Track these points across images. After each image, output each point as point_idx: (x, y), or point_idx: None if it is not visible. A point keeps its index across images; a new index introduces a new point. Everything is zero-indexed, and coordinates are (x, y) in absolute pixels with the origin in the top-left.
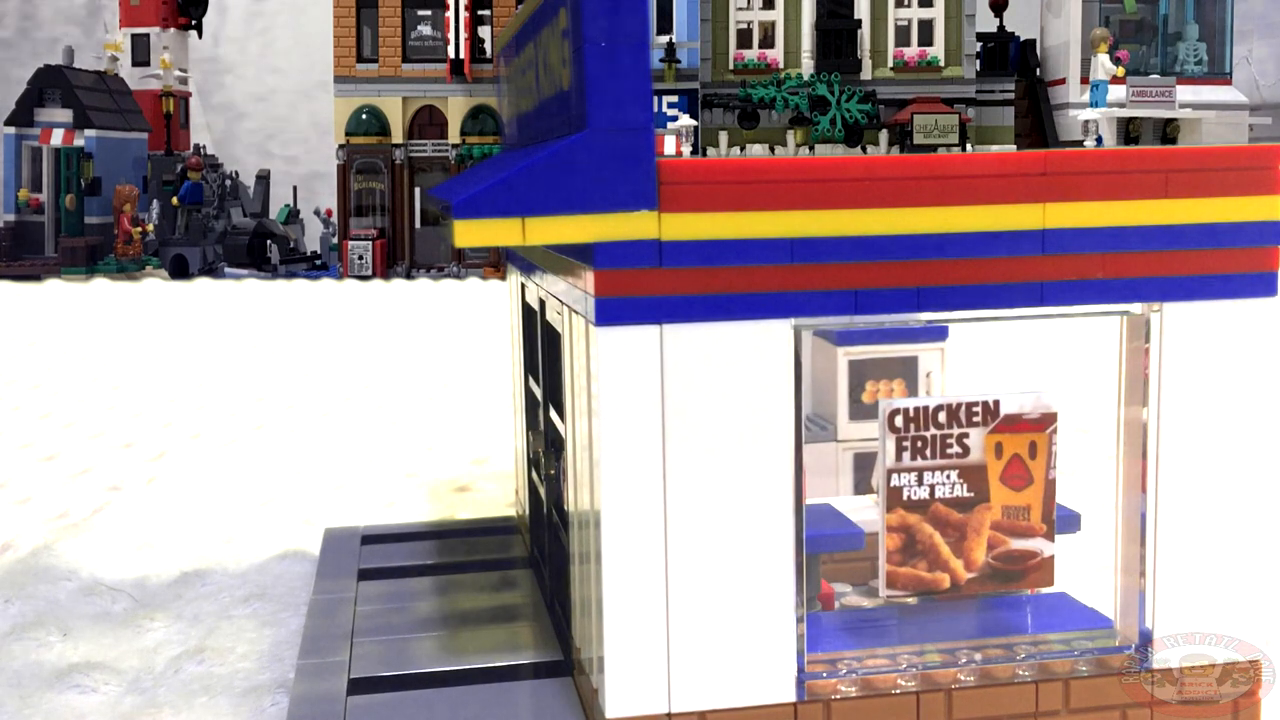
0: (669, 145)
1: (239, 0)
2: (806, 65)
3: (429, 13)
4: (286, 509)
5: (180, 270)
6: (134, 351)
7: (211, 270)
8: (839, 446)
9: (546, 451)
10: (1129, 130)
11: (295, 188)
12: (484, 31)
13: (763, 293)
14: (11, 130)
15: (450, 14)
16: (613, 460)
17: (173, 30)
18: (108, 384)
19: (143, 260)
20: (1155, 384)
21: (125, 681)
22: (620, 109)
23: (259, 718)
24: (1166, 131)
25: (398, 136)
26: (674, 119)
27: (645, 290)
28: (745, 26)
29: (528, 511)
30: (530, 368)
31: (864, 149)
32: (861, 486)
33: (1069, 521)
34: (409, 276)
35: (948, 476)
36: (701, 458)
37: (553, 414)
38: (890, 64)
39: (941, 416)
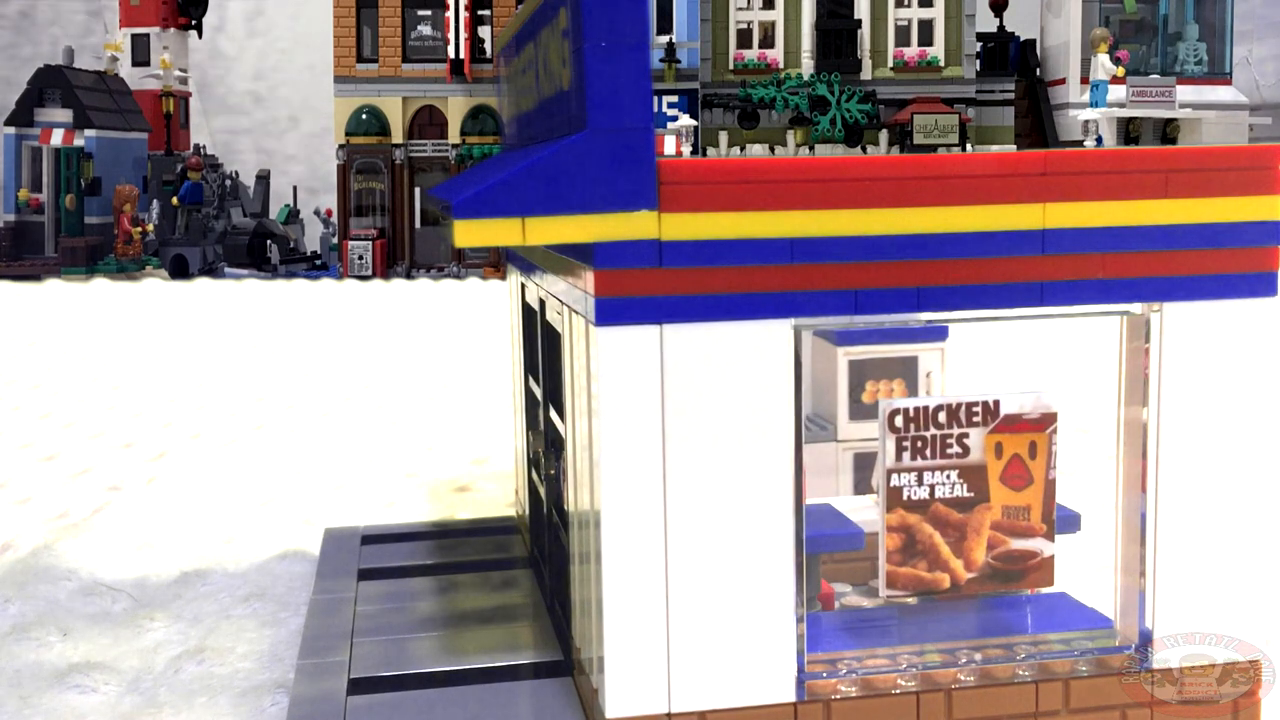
0: (669, 145)
1: (239, 0)
2: (806, 65)
3: (429, 13)
4: (286, 509)
5: (180, 270)
6: (134, 351)
7: (211, 270)
8: (839, 446)
9: (546, 451)
10: (1129, 130)
11: (295, 188)
12: (484, 31)
13: (763, 293)
14: (11, 130)
15: (450, 14)
16: (613, 460)
17: (173, 30)
18: (108, 384)
19: (143, 260)
20: (1155, 384)
21: (125, 681)
22: (620, 109)
23: (259, 718)
24: (1166, 131)
25: (398, 136)
26: (674, 119)
27: (645, 290)
28: (745, 26)
29: (528, 511)
30: (530, 368)
31: (864, 149)
32: (861, 486)
33: (1069, 521)
34: (409, 276)
35: (948, 476)
36: (701, 458)
37: (553, 414)
38: (890, 64)
39: (941, 416)
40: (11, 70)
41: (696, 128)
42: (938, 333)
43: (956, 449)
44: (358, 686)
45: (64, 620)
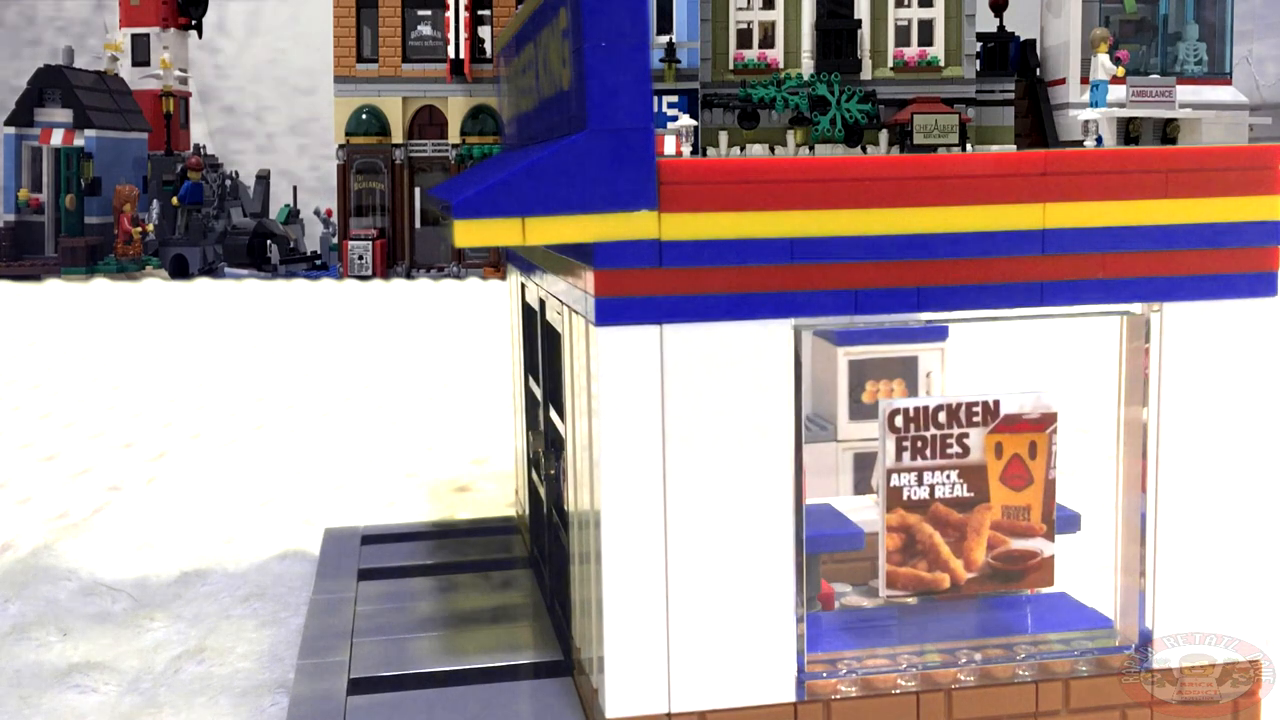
0: (669, 145)
1: (239, 0)
2: (806, 65)
3: (429, 13)
4: (286, 509)
5: (180, 270)
6: (134, 351)
7: (211, 270)
8: (839, 446)
9: (546, 451)
10: (1129, 130)
11: (295, 188)
12: (484, 31)
13: (763, 293)
14: (11, 130)
15: (450, 14)
16: (613, 460)
17: (173, 30)
18: (108, 384)
19: (143, 260)
20: (1155, 384)
21: (125, 681)
22: (620, 109)
23: (259, 718)
24: (1166, 131)
25: (398, 136)
26: (674, 119)
27: (645, 290)
28: (745, 26)
29: (528, 511)
30: (530, 368)
31: (864, 149)
32: (861, 486)
33: (1069, 521)
34: (409, 276)
35: (948, 476)
36: (701, 458)
37: (553, 414)
38: (890, 64)
39: (941, 416)
40: (11, 70)
41: (696, 128)
42: (938, 333)
43: (956, 449)
44: (358, 686)
45: (64, 620)
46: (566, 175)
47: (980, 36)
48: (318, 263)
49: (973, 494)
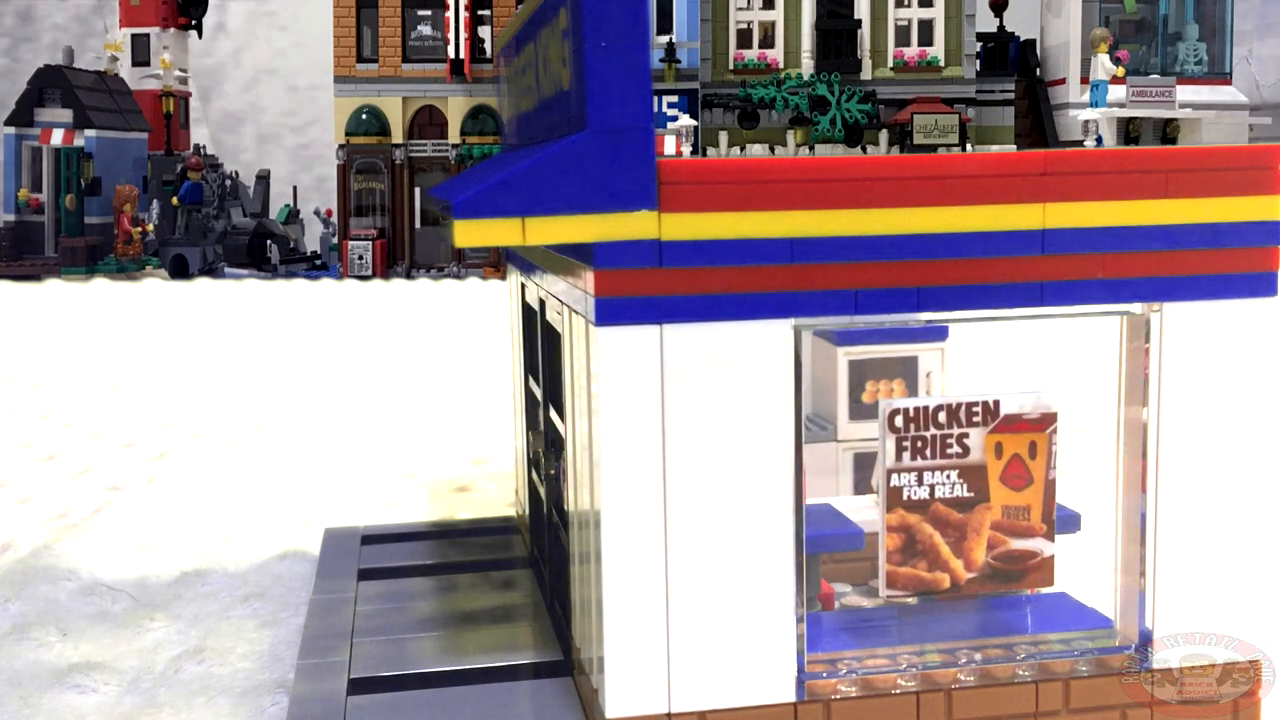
0: (669, 145)
1: (239, 0)
2: (806, 65)
3: (429, 13)
4: (286, 509)
5: (180, 270)
6: (134, 351)
7: (211, 270)
8: (839, 446)
9: (546, 451)
10: (1129, 130)
11: (295, 188)
12: (484, 31)
13: (763, 293)
14: (11, 130)
15: (450, 14)
16: (613, 460)
17: (173, 30)
18: (108, 384)
19: (143, 260)
20: (1155, 384)
21: (125, 681)
22: (620, 109)
23: (259, 718)
24: (1166, 131)
25: (398, 136)
26: (674, 119)
27: (645, 290)
28: (745, 26)
29: (528, 511)
30: (530, 368)
31: (864, 149)
32: (861, 486)
33: (1069, 521)
34: (409, 276)
35: (948, 476)
36: (701, 458)
37: (553, 414)
38: (890, 64)
39: (941, 416)
40: (11, 70)
41: (696, 128)
42: (938, 333)
43: (956, 449)
44: (358, 686)
45: (64, 620)
46: (566, 175)
47: (980, 36)
48: (318, 263)
49: (973, 494)
